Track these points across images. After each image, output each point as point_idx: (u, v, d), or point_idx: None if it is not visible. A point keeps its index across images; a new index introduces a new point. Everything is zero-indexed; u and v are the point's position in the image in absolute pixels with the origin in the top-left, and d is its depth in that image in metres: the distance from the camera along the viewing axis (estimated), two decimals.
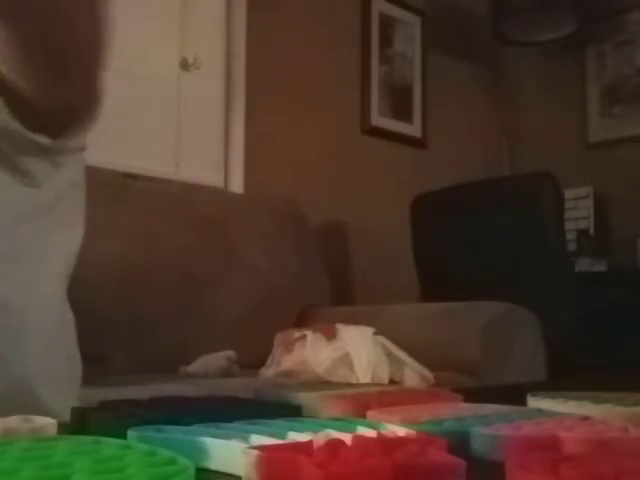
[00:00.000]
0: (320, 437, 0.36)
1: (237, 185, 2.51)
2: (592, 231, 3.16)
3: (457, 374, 1.74)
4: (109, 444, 0.35)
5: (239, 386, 1.32)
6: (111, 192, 1.87)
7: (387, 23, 3.07)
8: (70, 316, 0.73)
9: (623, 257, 3.07)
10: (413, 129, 3.12)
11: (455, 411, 0.48)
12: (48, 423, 0.40)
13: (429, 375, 1.65)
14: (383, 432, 0.39)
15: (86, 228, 0.73)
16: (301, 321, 2.18)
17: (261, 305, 2.07)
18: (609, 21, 3.30)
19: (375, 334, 1.70)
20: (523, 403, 0.54)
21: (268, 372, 1.72)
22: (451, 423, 0.43)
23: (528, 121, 3.47)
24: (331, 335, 1.71)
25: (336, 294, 2.49)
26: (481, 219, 2.38)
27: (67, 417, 0.46)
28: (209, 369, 1.67)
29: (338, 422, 0.42)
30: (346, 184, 2.78)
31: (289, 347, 1.76)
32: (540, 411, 0.49)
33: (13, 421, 0.40)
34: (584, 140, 3.36)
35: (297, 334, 1.78)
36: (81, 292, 0.79)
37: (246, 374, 1.68)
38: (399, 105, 3.08)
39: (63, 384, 0.70)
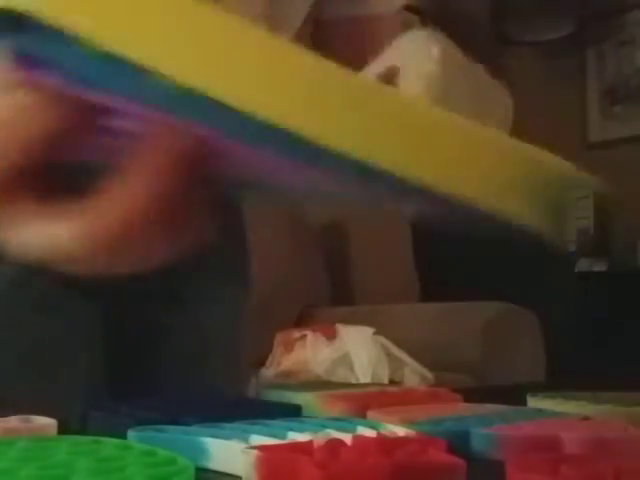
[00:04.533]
0: (320, 437, 0.36)
1: None
2: (592, 231, 3.16)
3: (457, 374, 1.74)
4: (109, 444, 0.35)
5: None
6: None
7: None
8: None
9: (623, 257, 3.07)
10: None
11: (455, 411, 0.48)
12: (48, 423, 0.40)
13: (429, 375, 1.65)
14: (383, 432, 0.39)
15: None
16: (301, 321, 2.18)
17: (261, 305, 2.07)
18: (609, 21, 3.30)
19: (375, 334, 1.70)
20: (523, 403, 0.54)
21: (268, 372, 1.72)
22: (451, 423, 0.43)
23: (528, 121, 3.46)
24: (331, 335, 1.72)
25: (336, 294, 2.49)
26: None
27: None
28: None
29: (338, 422, 0.42)
30: None
31: (289, 347, 1.76)
32: (540, 411, 0.49)
33: (13, 421, 0.40)
34: (584, 140, 3.36)
35: (297, 334, 1.78)
36: None
37: None
38: None
39: None
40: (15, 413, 0.41)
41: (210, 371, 0.74)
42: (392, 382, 1.60)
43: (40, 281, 0.68)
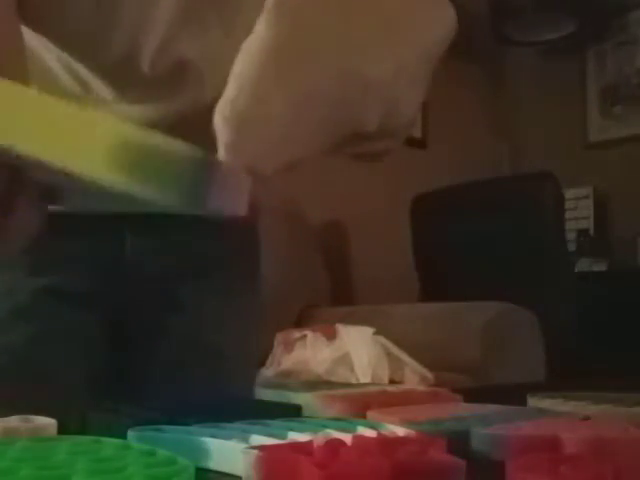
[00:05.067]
0: (320, 437, 0.36)
1: None
2: (592, 231, 3.15)
3: (457, 374, 1.74)
4: (109, 444, 0.35)
5: None
6: None
7: None
8: None
9: (623, 257, 3.06)
10: (413, 129, 3.12)
11: (455, 411, 0.48)
12: (48, 423, 0.40)
13: (429, 375, 1.65)
14: (383, 432, 0.39)
15: None
16: (301, 321, 2.18)
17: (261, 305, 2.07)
18: (609, 21, 3.29)
19: (375, 334, 1.70)
20: (523, 403, 0.54)
21: (268, 372, 1.72)
22: (451, 423, 0.43)
23: (528, 121, 3.46)
24: (331, 335, 1.71)
25: (336, 294, 2.49)
26: (481, 219, 2.38)
27: None
28: None
29: (338, 422, 0.42)
30: (346, 184, 2.78)
31: (289, 347, 1.76)
32: (540, 411, 0.49)
33: (13, 421, 0.40)
34: (584, 140, 3.35)
35: (297, 334, 1.78)
36: None
37: None
38: None
39: None
40: (15, 413, 0.41)
41: (223, 371, 0.73)
42: (392, 382, 1.60)
43: (38, 283, 0.68)
